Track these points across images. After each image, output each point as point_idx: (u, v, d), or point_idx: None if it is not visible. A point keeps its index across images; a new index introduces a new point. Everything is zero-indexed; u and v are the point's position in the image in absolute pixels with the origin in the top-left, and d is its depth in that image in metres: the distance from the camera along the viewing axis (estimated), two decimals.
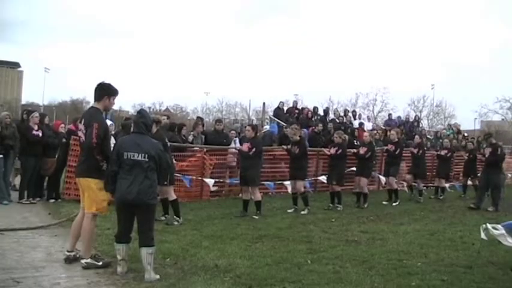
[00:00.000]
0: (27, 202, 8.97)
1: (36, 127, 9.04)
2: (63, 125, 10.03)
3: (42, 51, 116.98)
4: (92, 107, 5.22)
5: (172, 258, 5.36)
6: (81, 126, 5.12)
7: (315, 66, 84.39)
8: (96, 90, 5.13)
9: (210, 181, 9.99)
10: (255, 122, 18.88)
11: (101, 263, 4.98)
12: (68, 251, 5.20)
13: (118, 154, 4.71)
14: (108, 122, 10.67)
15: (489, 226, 5.11)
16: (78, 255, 5.14)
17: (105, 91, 5.12)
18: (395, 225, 8.14)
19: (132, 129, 5.05)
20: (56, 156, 9.37)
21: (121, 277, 4.66)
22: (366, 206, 10.17)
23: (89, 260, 4.96)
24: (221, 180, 10.88)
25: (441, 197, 12.23)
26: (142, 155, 4.69)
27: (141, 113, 5.08)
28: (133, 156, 4.67)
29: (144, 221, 4.74)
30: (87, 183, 4.98)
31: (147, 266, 4.61)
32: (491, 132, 13.68)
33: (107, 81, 5.20)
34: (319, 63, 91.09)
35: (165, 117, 10.38)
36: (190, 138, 10.95)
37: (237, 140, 11.96)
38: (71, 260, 5.11)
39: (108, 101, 5.12)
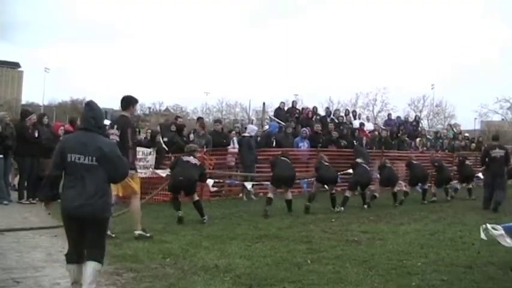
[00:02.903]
0: (27, 202, 8.99)
1: (32, 127, 9.05)
2: (62, 128, 10.01)
3: (42, 51, 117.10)
4: (122, 115, 6.53)
5: (172, 258, 5.36)
6: (114, 130, 6.25)
7: (315, 66, 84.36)
8: (122, 101, 6.55)
9: (209, 181, 10.00)
10: (255, 122, 18.84)
11: (148, 235, 6.35)
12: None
13: (62, 155, 3.84)
14: (107, 122, 10.75)
15: (489, 226, 5.10)
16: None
17: (129, 101, 6.53)
18: (395, 225, 8.13)
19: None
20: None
21: (121, 277, 4.66)
22: (366, 207, 10.22)
23: (141, 232, 6.35)
24: (220, 180, 10.90)
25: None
26: (90, 157, 3.79)
27: (89, 105, 4.10)
28: (79, 159, 3.77)
29: (96, 237, 3.89)
30: (135, 175, 6.41)
31: (88, 284, 3.76)
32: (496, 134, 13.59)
33: (128, 94, 6.63)
34: (319, 63, 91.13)
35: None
36: (192, 137, 10.99)
37: (235, 139, 11.99)
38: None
39: (133, 108, 6.63)
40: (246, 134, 11.97)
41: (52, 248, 5.75)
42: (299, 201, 9.55)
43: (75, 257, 3.91)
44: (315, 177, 10.12)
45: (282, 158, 9.35)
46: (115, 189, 6.12)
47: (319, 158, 10.34)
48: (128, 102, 6.52)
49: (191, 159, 8.02)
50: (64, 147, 3.90)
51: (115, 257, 5.29)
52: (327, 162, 10.04)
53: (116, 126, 6.33)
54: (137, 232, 6.36)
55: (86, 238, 3.88)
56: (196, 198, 8.01)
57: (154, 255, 5.48)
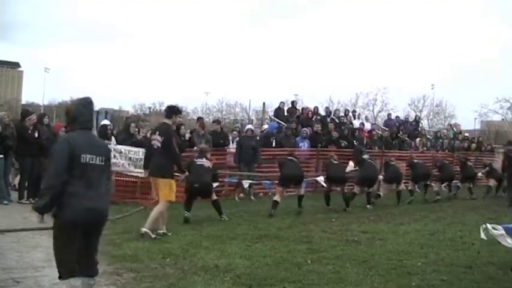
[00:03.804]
0: (27, 202, 8.97)
1: (31, 127, 9.06)
2: (63, 128, 9.96)
3: (42, 51, 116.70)
4: (165, 123, 6.76)
5: (172, 258, 5.36)
6: (156, 136, 6.61)
7: (315, 66, 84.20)
8: (166, 109, 6.91)
9: None
10: (254, 122, 18.84)
11: (154, 236, 6.30)
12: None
13: (72, 156, 3.46)
14: (107, 122, 10.77)
15: (489, 226, 5.11)
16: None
17: (173, 111, 6.80)
18: (395, 225, 8.13)
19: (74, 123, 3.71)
20: None
21: (121, 277, 4.66)
22: (369, 207, 10.19)
23: (147, 230, 6.30)
24: (220, 180, 10.88)
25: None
26: (102, 158, 3.61)
27: (91, 102, 3.75)
28: (92, 160, 3.54)
29: (97, 242, 3.73)
30: (165, 181, 6.50)
31: None
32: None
33: (173, 104, 7.04)
34: (319, 63, 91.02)
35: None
36: (187, 136, 11.01)
37: (235, 139, 11.98)
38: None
39: (175, 117, 6.88)
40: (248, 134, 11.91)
41: (52, 248, 5.74)
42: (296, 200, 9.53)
43: (81, 269, 3.56)
44: (325, 177, 10.20)
45: (290, 158, 9.40)
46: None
47: (329, 157, 10.45)
48: (171, 111, 6.83)
49: (204, 162, 8.04)
50: (75, 147, 3.48)
51: (115, 257, 5.30)
52: (336, 160, 10.18)
53: (157, 132, 6.63)
54: (144, 229, 6.32)
55: (87, 245, 3.60)
56: (215, 197, 8.17)
57: (154, 255, 5.48)
